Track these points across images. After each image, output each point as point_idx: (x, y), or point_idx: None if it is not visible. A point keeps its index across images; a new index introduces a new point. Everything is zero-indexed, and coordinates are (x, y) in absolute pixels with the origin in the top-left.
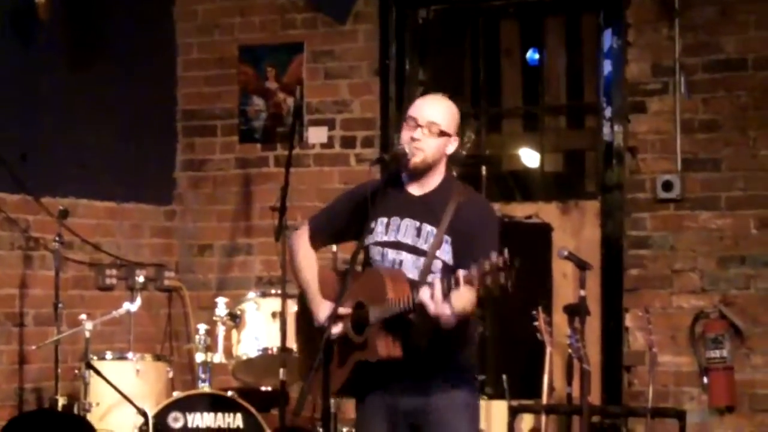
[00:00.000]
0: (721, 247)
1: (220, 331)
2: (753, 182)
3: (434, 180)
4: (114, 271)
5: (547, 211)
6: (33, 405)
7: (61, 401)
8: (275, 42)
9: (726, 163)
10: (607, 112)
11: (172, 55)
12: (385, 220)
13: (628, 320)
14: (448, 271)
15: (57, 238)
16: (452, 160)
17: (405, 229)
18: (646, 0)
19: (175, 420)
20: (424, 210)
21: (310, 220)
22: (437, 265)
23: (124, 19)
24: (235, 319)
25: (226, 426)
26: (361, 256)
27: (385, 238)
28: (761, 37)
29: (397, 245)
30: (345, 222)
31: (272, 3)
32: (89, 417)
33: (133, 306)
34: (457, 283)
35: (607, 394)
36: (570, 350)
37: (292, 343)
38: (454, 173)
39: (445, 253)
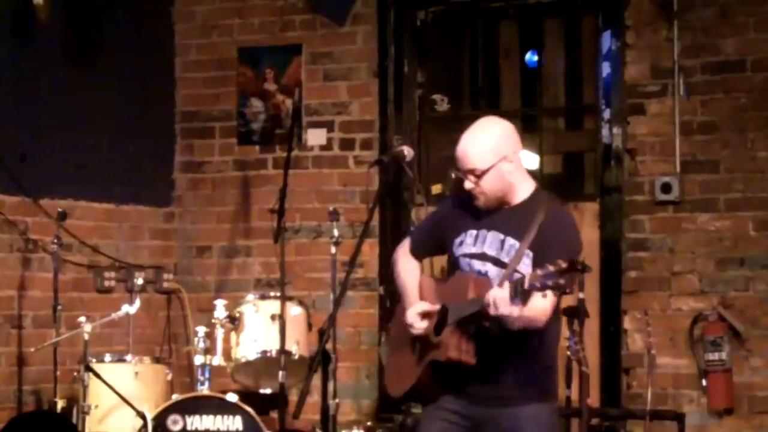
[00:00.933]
0: (720, 249)
1: (219, 333)
2: (752, 184)
3: (520, 194)
4: (113, 273)
5: None
6: (32, 407)
7: (60, 403)
8: (274, 43)
9: (725, 164)
10: (606, 114)
11: (170, 57)
12: (474, 232)
13: (627, 322)
14: None
15: (55, 240)
16: (449, 163)
17: (490, 242)
18: (645, 2)
19: (174, 422)
20: (509, 223)
21: (411, 232)
22: (516, 277)
23: (123, 21)
24: (234, 321)
25: (225, 428)
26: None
27: (473, 250)
28: (760, 38)
29: (483, 257)
30: (440, 234)
31: (271, 4)
32: (88, 419)
33: (132, 308)
34: (522, 285)
35: (606, 396)
36: (569, 353)
37: (291, 346)
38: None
39: (525, 266)
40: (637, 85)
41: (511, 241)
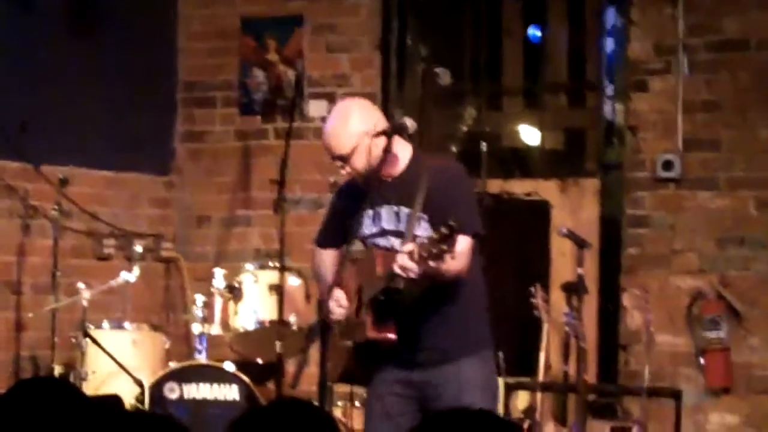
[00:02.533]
0: (721, 228)
1: (218, 302)
2: (753, 163)
3: (400, 163)
4: (112, 241)
5: (546, 189)
6: (29, 373)
7: (58, 369)
8: (276, 14)
9: (726, 143)
10: (609, 91)
11: (173, 26)
12: (370, 212)
13: (626, 299)
14: None
15: (56, 207)
16: (450, 137)
17: (386, 217)
18: None
19: (171, 390)
20: (398, 193)
21: (314, 240)
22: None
23: None
24: (232, 291)
25: (222, 397)
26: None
27: (374, 230)
28: (764, 18)
29: (383, 233)
30: (341, 223)
31: None
32: (85, 386)
33: (130, 276)
34: (420, 254)
35: (603, 372)
36: (567, 328)
37: (289, 316)
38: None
39: (424, 230)
40: (640, 62)
41: (405, 210)
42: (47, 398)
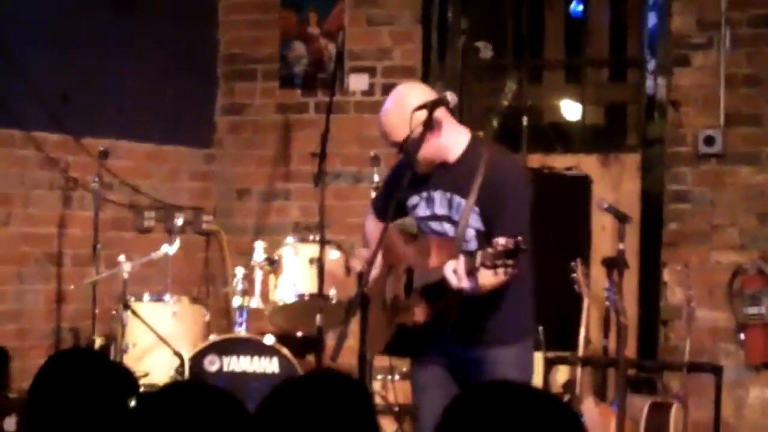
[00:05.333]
0: (762, 204)
1: (258, 275)
2: None
3: (455, 149)
4: (152, 214)
5: (587, 164)
6: (70, 344)
7: (98, 341)
8: None
9: None
10: (650, 66)
11: None
12: (424, 194)
13: (666, 275)
14: (482, 238)
15: (96, 179)
16: (491, 111)
17: (439, 202)
18: None
19: (211, 363)
20: (452, 181)
21: (372, 202)
22: (470, 233)
23: None
24: (272, 264)
25: (261, 370)
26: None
27: (427, 212)
28: None
29: (436, 217)
30: (395, 199)
31: None
32: (125, 358)
33: (171, 248)
34: (474, 263)
35: (643, 347)
36: (607, 303)
37: (329, 290)
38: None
39: (476, 222)
40: (682, 37)
41: (457, 199)
42: (84, 370)
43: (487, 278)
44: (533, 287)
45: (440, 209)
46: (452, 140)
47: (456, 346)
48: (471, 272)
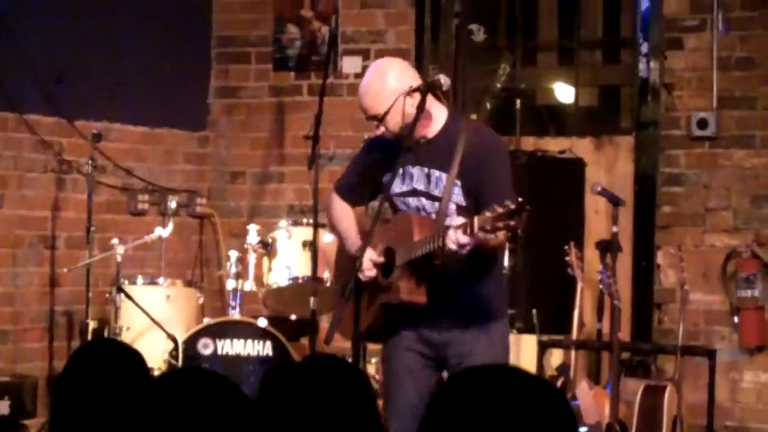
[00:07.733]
0: (755, 186)
1: (251, 258)
2: None
3: (435, 124)
4: (146, 197)
5: (580, 146)
6: (63, 328)
7: (92, 325)
8: None
9: (762, 101)
10: (644, 48)
11: None
12: (400, 170)
13: (660, 257)
14: (463, 212)
15: (90, 162)
16: (484, 93)
17: (417, 177)
18: None
19: (205, 346)
20: (431, 156)
21: (335, 187)
22: (451, 207)
23: None
24: (266, 247)
25: (255, 354)
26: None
27: (404, 188)
28: None
29: (414, 192)
30: (368, 177)
31: None
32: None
33: (164, 231)
34: (471, 229)
35: (637, 330)
36: (601, 286)
37: (323, 273)
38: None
39: (456, 196)
40: (675, 19)
41: (436, 173)
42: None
43: (487, 242)
44: (529, 271)
45: (419, 184)
46: (431, 116)
47: (432, 330)
48: (472, 236)
